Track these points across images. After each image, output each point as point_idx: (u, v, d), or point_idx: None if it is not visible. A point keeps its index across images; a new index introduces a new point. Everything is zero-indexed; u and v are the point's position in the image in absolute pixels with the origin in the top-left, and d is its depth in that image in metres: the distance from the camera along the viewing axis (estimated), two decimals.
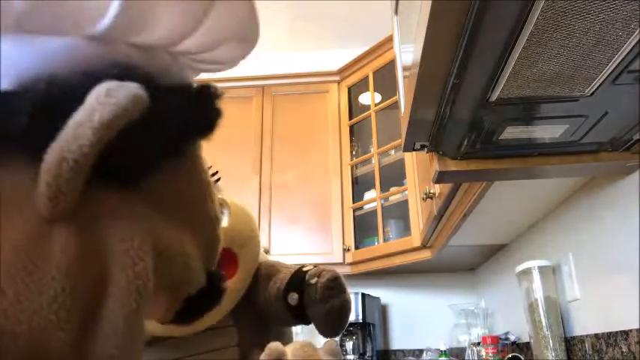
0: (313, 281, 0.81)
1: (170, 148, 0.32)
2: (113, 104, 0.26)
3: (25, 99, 0.27)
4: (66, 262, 0.26)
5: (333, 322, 0.79)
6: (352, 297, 2.16)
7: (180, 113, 0.31)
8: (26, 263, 0.25)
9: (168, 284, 0.32)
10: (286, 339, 0.95)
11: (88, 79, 0.27)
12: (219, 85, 0.36)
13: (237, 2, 0.34)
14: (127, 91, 0.27)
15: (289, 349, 0.70)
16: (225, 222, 0.80)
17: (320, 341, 0.80)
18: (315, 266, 0.86)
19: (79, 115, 0.26)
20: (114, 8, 0.29)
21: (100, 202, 0.28)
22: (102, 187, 0.28)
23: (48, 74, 0.28)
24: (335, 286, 0.80)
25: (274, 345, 0.67)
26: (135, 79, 0.28)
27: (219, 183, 0.93)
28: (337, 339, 1.47)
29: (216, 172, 0.91)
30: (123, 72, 0.29)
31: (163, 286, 0.32)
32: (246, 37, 0.37)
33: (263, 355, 0.67)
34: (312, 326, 0.83)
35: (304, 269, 0.85)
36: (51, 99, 0.27)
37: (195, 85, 0.35)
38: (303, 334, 2.30)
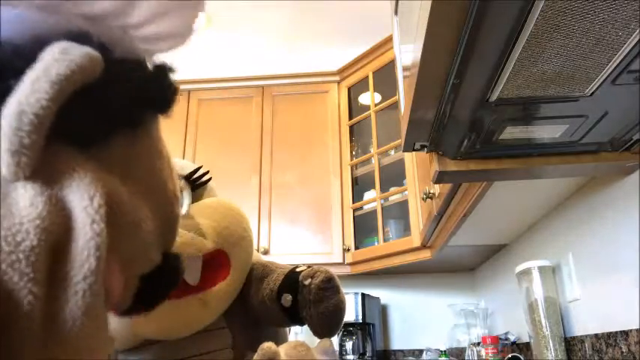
0: (307, 282, 0.80)
1: (124, 116, 0.32)
2: (69, 60, 0.26)
3: None
4: (35, 216, 0.26)
5: (327, 322, 0.78)
6: (352, 297, 2.18)
7: (133, 83, 0.31)
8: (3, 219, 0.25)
9: (124, 257, 0.32)
10: (281, 339, 0.95)
11: (42, 43, 0.27)
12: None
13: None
14: (82, 50, 0.27)
15: (282, 349, 0.69)
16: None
17: (317, 341, 0.80)
18: (309, 267, 0.85)
19: (35, 71, 0.26)
20: None
21: (60, 163, 0.28)
22: (62, 148, 0.28)
23: (1, 39, 0.28)
24: (329, 287, 0.79)
25: (267, 345, 0.67)
26: (89, 45, 0.28)
27: (211, 183, 0.93)
28: (333, 339, 1.47)
29: (207, 171, 0.90)
30: (76, 38, 0.29)
31: (119, 258, 0.32)
32: (185, 9, 0.37)
33: (256, 356, 0.67)
34: None
35: (298, 270, 0.85)
36: (3, 60, 0.27)
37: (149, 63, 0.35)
38: (303, 334, 2.30)
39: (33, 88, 0.25)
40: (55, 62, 0.26)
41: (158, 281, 0.37)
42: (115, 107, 0.30)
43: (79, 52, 0.27)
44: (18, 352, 0.25)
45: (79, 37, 0.29)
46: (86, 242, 0.28)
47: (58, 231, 0.27)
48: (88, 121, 0.29)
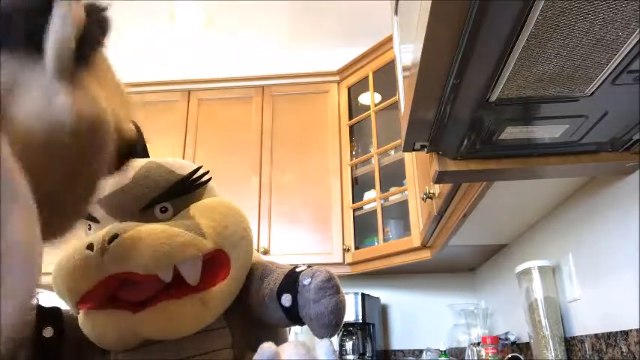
0: (307, 282, 0.80)
1: (95, 42, 0.48)
2: (75, 13, 0.42)
3: (12, 15, 0.41)
4: (68, 107, 0.41)
5: (327, 322, 0.78)
6: (352, 297, 2.18)
7: (98, 21, 0.47)
8: (45, 108, 0.40)
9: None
10: (281, 339, 0.95)
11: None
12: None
13: None
14: (77, 5, 0.43)
15: (282, 349, 0.69)
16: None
17: (317, 341, 0.80)
18: (308, 267, 0.85)
19: (60, 14, 0.41)
20: None
21: (74, 74, 0.44)
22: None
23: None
24: (329, 287, 0.79)
25: (267, 345, 0.67)
26: None
27: (211, 183, 0.93)
28: (333, 339, 1.47)
29: (207, 171, 0.90)
30: None
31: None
32: None
33: (256, 356, 0.67)
34: None
35: (298, 270, 0.85)
36: (32, 13, 0.41)
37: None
38: (303, 334, 2.30)
39: (65, 23, 0.41)
40: (69, 14, 0.41)
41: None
42: (90, 38, 0.46)
43: (76, 7, 0.43)
44: None
45: None
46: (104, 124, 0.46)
47: (86, 117, 0.44)
48: (81, 45, 0.44)
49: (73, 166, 0.43)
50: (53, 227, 0.44)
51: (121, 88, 0.54)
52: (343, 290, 0.83)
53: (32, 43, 0.41)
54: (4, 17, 0.40)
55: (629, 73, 0.70)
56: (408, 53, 0.81)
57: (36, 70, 0.41)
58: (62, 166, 0.42)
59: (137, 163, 0.84)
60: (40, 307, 0.84)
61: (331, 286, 0.80)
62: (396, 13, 1.02)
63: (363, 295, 2.24)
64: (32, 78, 0.41)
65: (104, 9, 0.49)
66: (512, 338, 1.80)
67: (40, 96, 0.40)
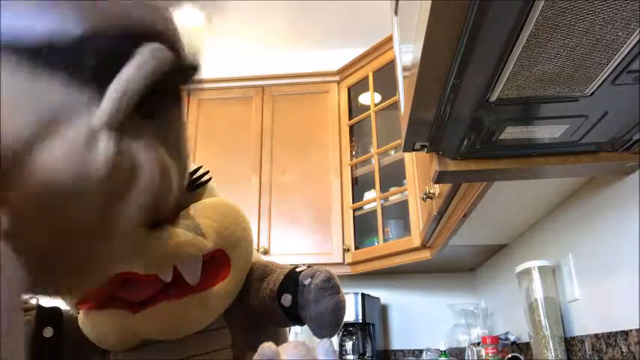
0: (307, 282, 0.80)
1: (176, 95, 0.44)
2: (159, 60, 0.38)
3: (92, 45, 0.37)
4: (106, 157, 0.36)
5: (327, 322, 0.78)
6: (352, 297, 2.18)
7: (180, 70, 0.42)
8: (80, 151, 0.35)
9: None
10: (281, 339, 0.95)
11: (135, 38, 0.39)
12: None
13: None
14: (166, 52, 0.39)
15: (282, 349, 0.69)
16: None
17: (317, 341, 0.80)
18: (308, 266, 0.85)
19: (137, 61, 0.37)
20: None
21: (132, 124, 0.38)
22: (134, 114, 0.38)
23: (107, 30, 0.38)
24: (329, 287, 0.79)
25: (267, 345, 0.67)
26: (161, 41, 0.39)
27: (211, 183, 0.92)
28: (333, 339, 1.46)
29: (207, 171, 0.90)
30: (155, 36, 0.40)
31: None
32: None
33: (256, 356, 0.67)
34: None
35: (298, 270, 0.85)
36: (111, 49, 0.38)
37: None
38: (303, 334, 2.30)
39: (137, 73, 0.37)
40: (152, 58, 0.38)
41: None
42: (170, 88, 0.42)
43: (165, 54, 0.39)
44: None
45: (156, 34, 0.41)
46: (148, 181, 0.39)
47: (122, 174, 0.38)
48: (153, 97, 0.39)
49: (94, 222, 0.38)
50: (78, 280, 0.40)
51: (184, 150, 0.48)
52: (343, 290, 0.83)
53: (96, 79, 0.37)
54: (79, 40, 0.36)
55: (629, 73, 0.70)
56: (408, 53, 0.81)
57: (87, 110, 0.36)
58: (83, 218, 0.37)
59: None
60: (40, 307, 0.84)
61: (331, 286, 0.80)
62: (396, 13, 1.02)
63: (363, 295, 2.24)
64: (78, 116, 0.36)
65: (197, 63, 0.44)
66: (512, 338, 1.80)
67: (78, 137, 0.35)
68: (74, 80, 0.36)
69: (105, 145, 0.36)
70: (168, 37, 0.42)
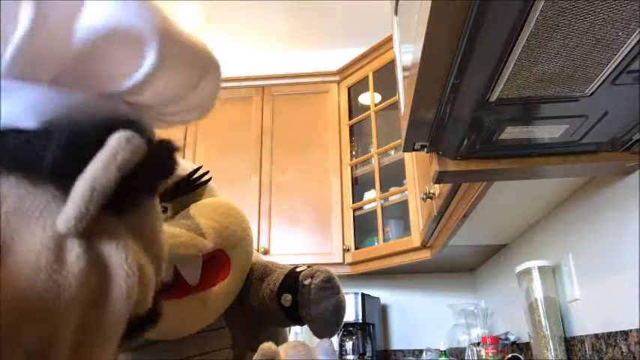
0: (307, 282, 0.80)
1: (150, 187, 0.40)
2: (131, 150, 0.33)
3: (49, 138, 0.33)
4: (78, 270, 0.32)
5: (327, 322, 0.78)
6: (352, 297, 2.18)
7: (155, 159, 0.38)
8: (47, 267, 0.31)
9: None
10: (281, 339, 0.95)
11: (102, 128, 0.34)
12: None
13: (217, 78, 0.43)
14: (139, 140, 0.34)
15: (282, 349, 0.69)
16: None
17: (317, 341, 0.80)
18: (308, 267, 0.85)
19: (104, 155, 0.33)
20: (140, 74, 0.36)
21: (100, 224, 0.34)
22: (102, 213, 0.34)
23: (70, 121, 0.34)
24: (329, 287, 0.79)
25: (267, 345, 0.67)
26: (134, 130, 0.35)
27: (211, 183, 0.93)
28: (333, 339, 1.46)
29: (207, 171, 0.90)
30: (126, 124, 0.35)
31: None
32: (205, 104, 0.45)
33: (256, 356, 0.67)
34: None
35: (298, 270, 0.85)
36: (73, 141, 0.33)
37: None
38: (303, 334, 2.30)
39: (105, 170, 0.32)
40: (121, 150, 0.33)
41: (141, 321, 0.41)
42: (144, 180, 0.37)
43: (137, 142, 0.34)
44: None
45: (129, 123, 0.36)
46: (121, 294, 0.34)
47: (96, 284, 0.33)
48: (127, 192, 0.35)
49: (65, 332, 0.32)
50: None
51: (159, 241, 0.43)
52: (343, 290, 0.83)
53: (58, 175, 0.33)
54: (38, 133, 0.33)
55: (629, 73, 0.70)
56: (408, 53, 0.81)
57: (48, 213, 0.32)
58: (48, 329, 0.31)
59: None
60: None
61: (331, 286, 0.80)
62: (396, 13, 1.02)
63: (363, 295, 2.24)
64: (38, 222, 0.32)
65: (174, 150, 0.40)
66: (512, 338, 1.80)
67: (42, 249, 0.31)
68: (31, 178, 0.33)
69: (75, 257, 0.32)
70: (139, 124, 0.38)
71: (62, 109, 0.34)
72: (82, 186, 0.32)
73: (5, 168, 0.32)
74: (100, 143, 0.33)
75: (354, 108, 2.67)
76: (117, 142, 0.33)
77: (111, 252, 0.34)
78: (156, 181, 0.40)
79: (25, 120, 0.33)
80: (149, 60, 0.35)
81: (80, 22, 0.33)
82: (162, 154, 0.39)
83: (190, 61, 0.39)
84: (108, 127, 0.34)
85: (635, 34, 0.62)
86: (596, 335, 1.25)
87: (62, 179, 0.33)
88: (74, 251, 0.32)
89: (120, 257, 0.34)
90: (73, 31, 0.33)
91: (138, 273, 0.35)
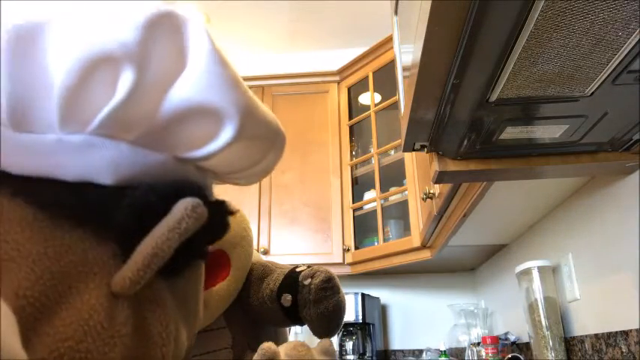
0: (307, 282, 0.80)
1: (200, 252, 0.40)
2: (195, 218, 0.34)
3: (123, 198, 0.34)
4: (125, 332, 0.32)
5: (327, 323, 0.78)
6: (352, 297, 2.18)
7: (213, 224, 0.38)
8: (97, 325, 0.31)
9: None
10: (281, 339, 0.95)
11: (171, 192, 0.35)
12: None
13: (282, 149, 0.45)
14: (203, 208, 0.35)
15: (282, 349, 0.69)
16: None
17: (317, 341, 0.80)
18: (308, 267, 0.85)
19: (170, 221, 0.33)
20: (216, 145, 0.37)
21: (149, 288, 0.35)
22: (153, 275, 0.34)
23: (143, 183, 0.35)
24: (329, 287, 0.79)
25: (267, 345, 0.67)
26: (199, 196, 0.36)
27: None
28: (333, 339, 1.46)
29: None
30: (194, 190, 0.37)
31: None
32: (268, 170, 0.46)
33: (256, 356, 0.67)
34: None
35: (298, 270, 0.85)
36: (144, 204, 0.34)
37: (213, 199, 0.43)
38: (303, 334, 2.30)
39: (167, 237, 0.33)
40: (186, 217, 0.33)
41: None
42: (195, 245, 0.37)
43: (201, 210, 0.34)
44: None
45: (197, 189, 0.37)
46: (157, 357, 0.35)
47: (136, 347, 0.33)
48: (179, 257, 0.35)
49: None
50: None
51: (198, 310, 0.43)
52: (343, 290, 0.83)
53: (122, 234, 0.33)
54: (110, 191, 0.33)
55: (629, 73, 0.69)
56: (408, 53, 0.81)
57: (107, 271, 0.32)
58: None
59: None
60: None
61: (331, 287, 0.80)
62: (396, 13, 1.02)
63: (363, 295, 2.24)
64: (96, 277, 0.32)
65: (229, 213, 0.40)
66: (512, 338, 1.80)
67: (95, 306, 0.31)
68: (99, 232, 0.33)
69: (124, 318, 0.32)
70: (205, 189, 0.39)
71: (138, 169, 0.35)
72: (144, 250, 0.32)
73: (77, 220, 0.33)
74: (168, 206, 0.34)
75: (354, 108, 2.67)
76: (184, 209, 0.34)
77: (154, 318, 0.35)
78: (208, 244, 0.41)
79: (103, 175, 0.34)
80: (227, 134, 0.37)
81: (170, 94, 0.35)
82: (218, 217, 0.40)
83: (263, 137, 0.41)
84: (177, 190, 0.35)
85: (635, 34, 0.62)
86: (596, 335, 1.25)
87: (126, 238, 0.33)
88: (124, 313, 0.32)
89: (160, 325, 0.35)
90: (162, 100, 0.35)
91: (174, 342, 0.36)
